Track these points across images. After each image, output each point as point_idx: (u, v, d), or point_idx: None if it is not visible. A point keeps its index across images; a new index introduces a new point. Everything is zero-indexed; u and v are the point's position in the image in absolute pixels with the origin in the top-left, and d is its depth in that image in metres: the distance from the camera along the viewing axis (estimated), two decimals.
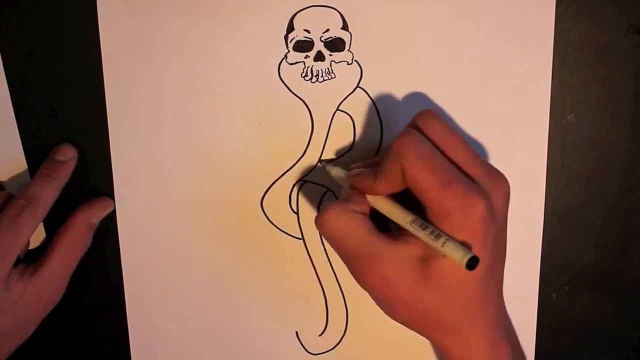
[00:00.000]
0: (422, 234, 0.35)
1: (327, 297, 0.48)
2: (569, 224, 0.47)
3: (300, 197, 0.46)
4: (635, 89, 0.45)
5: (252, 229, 0.47)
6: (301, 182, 0.46)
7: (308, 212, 0.47)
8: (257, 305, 0.48)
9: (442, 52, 0.44)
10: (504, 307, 0.40)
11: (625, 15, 0.44)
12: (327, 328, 0.48)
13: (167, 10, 0.44)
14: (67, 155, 0.45)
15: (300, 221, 0.47)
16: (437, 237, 0.34)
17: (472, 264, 0.33)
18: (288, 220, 0.47)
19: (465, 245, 0.34)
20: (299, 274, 0.47)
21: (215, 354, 0.49)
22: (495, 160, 0.45)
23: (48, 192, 0.43)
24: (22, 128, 0.45)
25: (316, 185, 0.46)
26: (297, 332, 0.48)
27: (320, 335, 0.48)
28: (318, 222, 0.38)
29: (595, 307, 0.48)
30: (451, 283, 0.35)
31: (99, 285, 0.48)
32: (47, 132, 0.46)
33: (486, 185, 0.36)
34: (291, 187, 0.46)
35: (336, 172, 0.43)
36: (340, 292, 0.48)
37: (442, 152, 0.36)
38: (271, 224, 0.47)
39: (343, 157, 0.46)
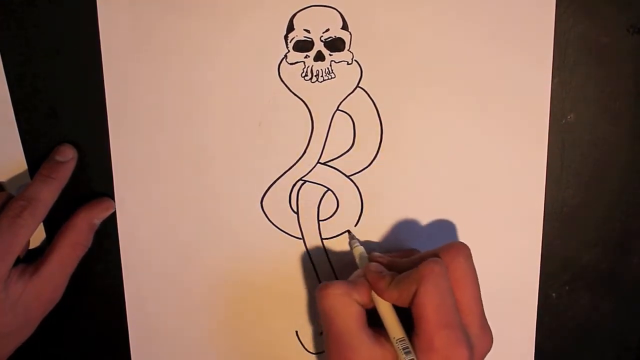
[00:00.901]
0: (401, 354, 0.37)
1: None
2: (569, 224, 0.47)
3: (300, 197, 0.46)
4: (635, 89, 0.45)
5: (252, 229, 0.47)
6: (301, 182, 0.46)
7: (308, 212, 0.47)
8: (257, 305, 0.48)
9: (442, 52, 0.44)
10: None
11: (625, 15, 0.44)
12: None
13: (167, 10, 0.44)
14: (67, 156, 0.45)
15: (300, 221, 0.47)
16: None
17: None
18: (288, 220, 0.47)
19: None
20: (298, 273, 0.47)
21: (215, 354, 0.49)
22: (495, 160, 0.45)
23: (48, 193, 0.43)
24: (22, 128, 0.45)
25: (316, 185, 0.46)
26: (297, 332, 0.48)
27: (320, 334, 0.48)
28: (321, 293, 0.40)
29: (595, 307, 0.48)
30: None
31: (99, 285, 0.48)
32: (47, 132, 0.46)
33: (475, 337, 0.38)
34: (291, 187, 0.46)
35: (358, 253, 0.44)
36: None
37: (454, 289, 0.38)
38: (271, 224, 0.47)
39: (343, 156, 0.46)
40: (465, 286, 0.39)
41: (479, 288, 0.39)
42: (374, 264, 0.41)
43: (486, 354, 0.39)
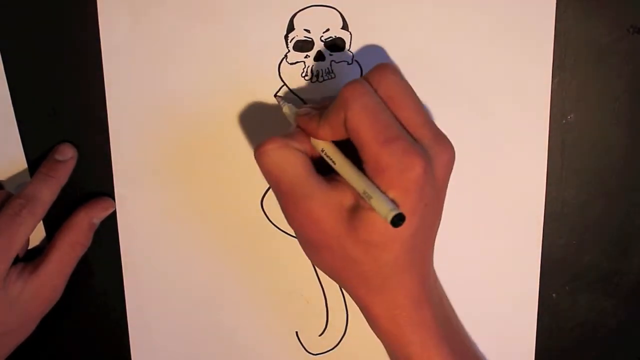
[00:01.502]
0: (356, 182, 0.34)
1: (327, 297, 0.48)
2: (569, 224, 0.47)
3: None
4: (635, 89, 0.45)
5: (252, 229, 0.47)
6: None
7: None
8: (257, 305, 0.48)
9: (442, 52, 0.44)
10: (433, 272, 0.39)
11: (625, 15, 0.44)
12: (327, 328, 0.48)
13: (167, 10, 0.44)
14: (67, 155, 0.45)
15: None
16: (368, 188, 0.34)
17: (397, 221, 0.32)
18: None
19: (394, 202, 0.34)
20: (299, 274, 0.47)
21: (215, 354, 0.49)
22: (495, 160, 0.45)
23: (47, 192, 0.43)
24: (22, 128, 0.45)
25: None
26: (297, 332, 0.48)
27: (320, 335, 0.48)
28: (257, 153, 0.37)
29: (595, 307, 0.48)
30: (377, 238, 0.35)
31: (99, 285, 0.48)
32: (47, 132, 0.46)
33: (430, 148, 0.35)
34: None
35: (287, 109, 0.41)
36: (340, 292, 0.48)
37: (390, 108, 0.36)
38: (271, 224, 0.47)
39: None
40: (401, 101, 0.36)
41: (418, 99, 0.37)
42: (302, 108, 0.39)
43: (449, 163, 0.37)
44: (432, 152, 0.35)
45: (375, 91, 0.36)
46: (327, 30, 0.44)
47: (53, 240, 0.45)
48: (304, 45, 0.44)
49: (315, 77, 0.45)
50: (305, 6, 0.44)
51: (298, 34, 0.44)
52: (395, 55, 0.44)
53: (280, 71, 0.45)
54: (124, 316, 0.48)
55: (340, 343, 0.48)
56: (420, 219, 0.35)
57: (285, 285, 0.48)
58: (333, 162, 0.37)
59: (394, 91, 0.36)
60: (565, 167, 0.46)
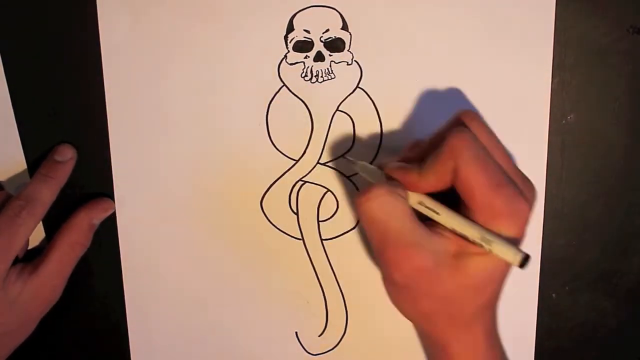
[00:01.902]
0: (469, 230, 0.35)
1: (326, 297, 0.48)
2: (569, 224, 0.47)
3: (300, 198, 0.46)
4: (635, 89, 0.45)
5: (252, 229, 0.47)
6: (301, 182, 0.46)
7: (308, 213, 0.47)
8: (257, 305, 0.48)
9: (442, 53, 0.44)
10: None
11: (625, 15, 0.44)
12: (327, 328, 0.48)
13: (167, 10, 0.44)
14: (66, 156, 0.45)
15: (300, 221, 0.47)
16: (487, 234, 0.34)
17: (524, 262, 0.34)
18: (288, 221, 0.47)
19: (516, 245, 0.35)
20: (298, 274, 0.47)
21: (215, 354, 0.49)
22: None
23: (46, 192, 0.43)
24: (22, 128, 0.45)
25: (316, 186, 0.46)
26: (297, 332, 0.48)
27: (320, 335, 0.48)
28: (361, 200, 0.36)
29: (595, 307, 0.48)
30: (481, 281, 0.36)
31: (98, 285, 0.48)
32: (47, 132, 0.46)
33: (524, 191, 0.36)
34: (291, 187, 0.46)
35: (364, 166, 0.41)
36: (340, 292, 0.48)
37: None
38: (271, 224, 0.47)
39: (343, 156, 0.46)
40: (494, 148, 0.37)
41: (502, 143, 0.38)
42: (391, 162, 0.39)
43: (534, 202, 0.38)
44: (525, 194, 0.36)
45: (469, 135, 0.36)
46: (327, 30, 0.44)
47: (53, 240, 0.45)
48: (303, 46, 0.44)
49: (315, 77, 0.45)
50: (305, 6, 0.44)
51: (298, 35, 0.44)
52: (395, 56, 0.44)
53: (280, 71, 0.45)
54: (124, 317, 0.48)
55: (340, 343, 0.48)
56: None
57: (285, 285, 0.48)
58: (437, 212, 0.37)
59: (488, 139, 0.37)
60: (565, 167, 0.46)
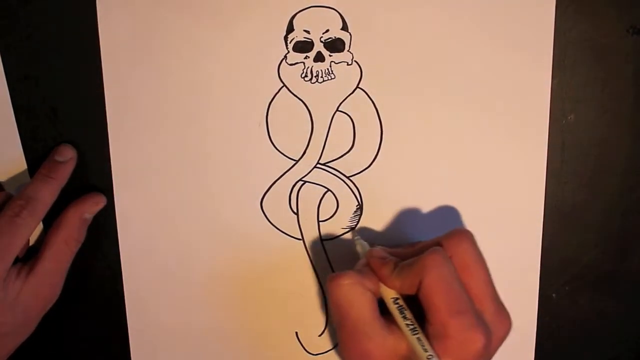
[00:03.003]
0: (417, 347, 0.37)
1: (327, 297, 0.48)
2: (569, 224, 0.47)
3: (300, 198, 0.46)
4: (635, 89, 0.45)
5: (252, 229, 0.47)
6: (301, 182, 0.46)
7: (308, 213, 0.47)
8: (257, 305, 0.48)
9: (442, 53, 0.44)
10: None
11: (625, 15, 0.44)
12: (327, 328, 0.48)
13: (167, 10, 0.44)
14: (67, 156, 0.45)
15: (300, 221, 0.47)
16: (425, 351, 0.36)
17: None
18: (288, 221, 0.47)
19: None
20: (298, 274, 0.47)
21: (215, 354, 0.49)
22: (495, 161, 0.45)
23: (47, 192, 0.43)
24: (22, 128, 0.45)
25: (316, 186, 0.46)
26: (297, 332, 0.49)
27: (320, 335, 0.48)
28: (332, 283, 0.39)
29: (595, 307, 0.48)
30: None
31: (98, 285, 0.48)
32: (47, 132, 0.46)
33: (491, 322, 0.38)
34: (291, 187, 0.46)
35: (360, 247, 0.44)
36: None
37: (462, 276, 0.38)
38: (271, 224, 0.47)
39: (343, 157, 0.46)
40: (473, 272, 0.38)
41: (488, 272, 0.39)
42: (376, 249, 0.41)
43: (504, 337, 0.39)
44: (492, 327, 0.38)
45: (451, 257, 0.38)
46: (327, 31, 0.44)
47: (46, 238, 0.45)
48: (303, 46, 0.44)
49: (315, 77, 0.45)
50: (305, 7, 0.44)
51: (298, 35, 0.44)
52: (395, 56, 0.44)
53: (280, 72, 0.45)
54: (124, 316, 0.48)
55: None
56: None
57: (285, 285, 0.48)
58: (401, 314, 0.38)
59: (468, 261, 0.39)
60: (565, 167, 0.46)
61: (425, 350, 0.36)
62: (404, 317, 0.38)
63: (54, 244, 0.44)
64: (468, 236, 0.39)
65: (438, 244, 0.39)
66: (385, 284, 0.39)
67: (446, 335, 0.36)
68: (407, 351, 0.38)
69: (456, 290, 0.37)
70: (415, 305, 0.38)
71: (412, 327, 0.37)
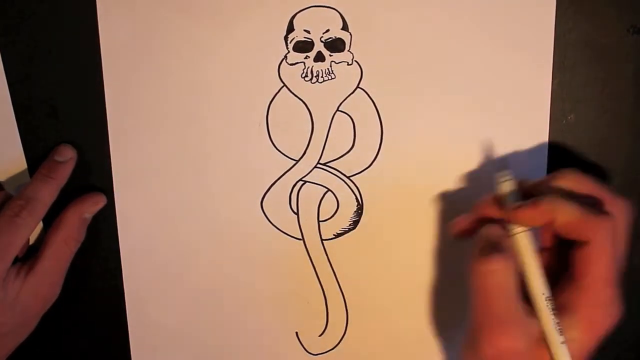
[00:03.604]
0: (547, 327, 0.36)
1: (327, 297, 0.48)
2: None
3: (300, 198, 0.46)
4: (635, 89, 0.45)
5: (252, 229, 0.47)
6: (301, 182, 0.46)
7: (308, 213, 0.47)
8: (257, 306, 0.48)
9: (442, 53, 0.44)
10: None
11: (625, 15, 0.44)
12: (327, 328, 0.48)
13: (167, 10, 0.44)
14: (66, 156, 0.45)
15: (300, 221, 0.47)
16: (552, 339, 0.36)
17: None
18: (288, 221, 0.47)
19: (581, 347, 0.36)
20: (298, 274, 0.47)
21: (215, 354, 0.49)
22: (495, 160, 0.45)
23: (46, 192, 0.43)
24: (22, 128, 0.45)
25: (316, 186, 0.46)
26: (297, 332, 0.49)
27: (320, 335, 0.48)
28: (481, 268, 0.37)
29: None
30: None
31: (98, 285, 0.48)
32: (47, 132, 0.46)
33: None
34: (291, 187, 0.46)
35: (508, 185, 0.40)
36: (340, 293, 0.48)
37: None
38: (271, 224, 0.47)
39: (343, 157, 0.46)
40: (621, 243, 0.38)
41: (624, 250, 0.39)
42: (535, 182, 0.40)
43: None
44: None
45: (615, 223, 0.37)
46: (327, 30, 0.44)
47: (46, 238, 0.45)
48: (303, 46, 0.44)
49: (315, 77, 0.45)
50: (305, 7, 0.44)
51: (298, 35, 0.44)
52: (395, 56, 0.44)
53: (280, 72, 0.45)
54: (124, 316, 0.48)
55: (340, 343, 0.48)
56: (590, 356, 0.37)
57: (285, 285, 0.48)
58: (533, 301, 0.37)
59: (625, 232, 0.39)
60: (565, 167, 0.46)
61: (559, 333, 0.36)
62: (543, 285, 0.37)
63: (53, 244, 0.44)
64: (631, 211, 0.39)
65: (605, 197, 0.38)
66: (536, 222, 0.37)
67: (597, 304, 0.36)
68: (540, 333, 0.37)
69: (616, 262, 0.37)
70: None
71: (548, 298, 0.37)
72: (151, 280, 0.48)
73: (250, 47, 0.44)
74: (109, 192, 0.46)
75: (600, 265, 0.36)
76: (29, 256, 0.45)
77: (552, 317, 0.36)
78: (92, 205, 0.46)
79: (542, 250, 0.40)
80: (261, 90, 0.45)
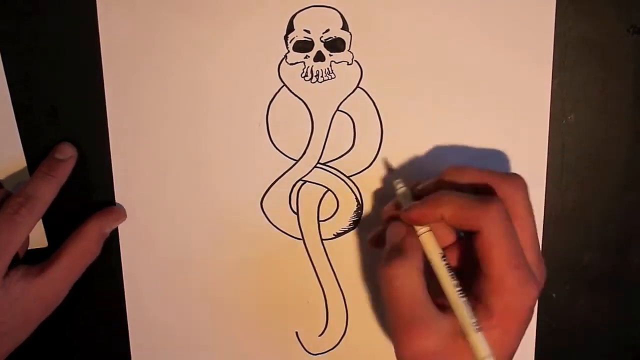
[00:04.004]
0: (461, 307, 0.36)
1: (326, 297, 0.48)
2: (569, 224, 0.47)
3: (300, 197, 0.46)
4: (635, 89, 0.45)
5: (252, 229, 0.47)
6: (301, 182, 0.46)
7: (308, 212, 0.47)
8: (257, 306, 0.48)
9: (442, 53, 0.44)
10: None
11: (625, 15, 0.44)
12: (327, 328, 0.48)
13: (167, 10, 0.44)
14: (67, 154, 0.45)
15: (300, 221, 0.47)
16: (468, 327, 0.36)
17: None
18: (288, 221, 0.47)
19: (503, 333, 0.36)
20: (298, 274, 0.47)
21: (215, 354, 0.49)
22: (495, 161, 0.45)
23: (46, 190, 0.43)
24: (22, 128, 0.45)
25: (316, 186, 0.46)
26: (297, 332, 0.48)
27: (320, 335, 0.48)
28: (387, 274, 0.37)
29: (595, 307, 0.48)
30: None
31: (99, 285, 0.48)
32: (47, 132, 0.46)
33: (534, 271, 0.37)
34: (291, 187, 0.46)
35: (403, 195, 0.41)
36: (340, 292, 0.48)
37: (514, 223, 0.37)
38: (271, 224, 0.47)
39: (343, 157, 0.46)
40: (524, 223, 0.38)
41: (535, 222, 0.39)
42: (425, 183, 0.41)
43: (543, 284, 0.38)
44: (536, 276, 0.37)
45: (503, 201, 0.37)
46: (327, 30, 0.44)
47: (62, 246, 0.45)
48: (303, 46, 0.44)
49: (315, 77, 0.45)
50: (305, 6, 0.44)
51: (298, 35, 0.44)
52: (395, 56, 0.44)
53: (280, 71, 0.45)
54: (124, 316, 0.48)
55: (340, 343, 0.48)
56: (518, 340, 0.37)
57: (285, 286, 0.48)
58: (449, 273, 0.37)
59: (522, 211, 0.38)
60: (565, 168, 0.46)
61: (474, 325, 0.36)
62: (452, 278, 0.37)
63: (69, 254, 0.44)
64: (525, 185, 0.39)
65: (492, 180, 0.38)
66: (427, 219, 0.38)
67: (504, 288, 0.36)
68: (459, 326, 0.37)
69: (515, 244, 0.36)
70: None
71: (459, 290, 0.37)
72: (151, 280, 0.48)
73: (250, 47, 0.44)
74: (109, 191, 0.46)
75: (498, 250, 0.36)
76: (35, 260, 0.44)
77: (466, 308, 0.36)
78: (113, 221, 0.46)
79: (453, 246, 0.40)
80: (261, 90, 0.45)
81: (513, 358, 0.38)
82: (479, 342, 0.35)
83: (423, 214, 0.38)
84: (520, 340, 0.38)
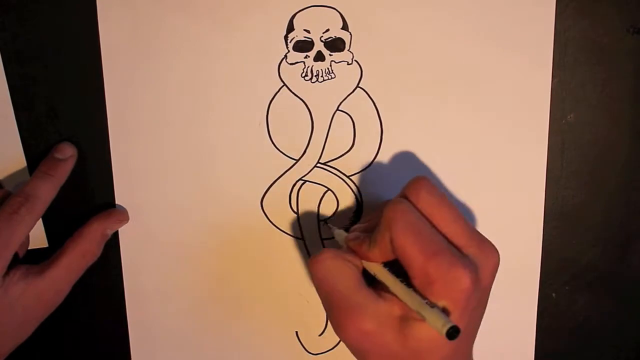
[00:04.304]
0: (409, 301, 0.35)
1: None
2: (569, 224, 0.47)
3: (300, 197, 0.46)
4: (635, 89, 0.45)
5: (252, 229, 0.47)
6: (301, 182, 0.46)
7: (308, 212, 0.47)
8: (257, 305, 0.48)
9: (442, 52, 0.44)
10: None
11: (625, 15, 0.44)
12: (327, 328, 0.48)
13: (167, 10, 0.44)
14: (67, 154, 0.45)
15: (300, 221, 0.47)
16: (420, 307, 0.35)
17: (452, 332, 0.33)
18: (288, 220, 0.47)
19: (447, 315, 0.35)
20: (299, 273, 0.47)
21: (215, 354, 0.49)
22: (495, 160, 0.46)
23: (46, 190, 0.43)
24: (22, 128, 0.45)
25: (316, 185, 0.46)
26: (297, 332, 0.48)
27: (320, 335, 0.48)
28: (313, 261, 0.39)
29: (595, 307, 0.48)
30: (426, 345, 0.36)
31: (99, 285, 0.48)
32: (47, 132, 0.46)
33: (476, 256, 0.37)
34: (291, 187, 0.46)
35: (338, 235, 0.43)
36: None
37: (430, 221, 0.37)
38: (271, 224, 0.47)
39: (343, 156, 0.46)
40: (441, 215, 0.37)
41: (456, 208, 0.38)
42: (351, 233, 0.41)
43: (495, 269, 0.38)
44: (477, 261, 0.36)
45: (416, 205, 0.37)
46: (327, 30, 0.44)
47: (64, 247, 0.45)
48: (303, 46, 0.44)
49: (315, 77, 0.45)
50: (305, 6, 0.44)
51: (298, 34, 0.44)
52: (395, 56, 0.44)
53: (280, 71, 0.45)
54: (124, 316, 0.48)
55: (340, 343, 0.48)
56: (467, 324, 0.36)
57: (285, 285, 0.48)
58: (385, 284, 0.37)
59: (432, 206, 0.37)
60: (565, 167, 0.46)
61: (420, 303, 0.35)
62: (393, 276, 0.37)
63: (70, 254, 0.44)
64: (426, 180, 0.38)
65: (396, 196, 0.38)
66: (368, 259, 0.38)
67: (430, 281, 0.35)
68: (402, 311, 0.36)
69: (426, 233, 0.36)
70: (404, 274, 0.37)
71: (403, 282, 0.36)
72: (151, 280, 0.48)
73: (250, 47, 0.44)
74: (109, 190, 0.46)
75: (410, 246, 0.35)
76: (35, 260, 0.44)
77: (413, 292, 0.35)
78: (115, 223, 0.46)
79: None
80: (261, 90, 0.45)
81: (473, 343, 0.38)
82: (437, 314, 0.34)
83: (374, 255, 0.38)
84: (475, 324, 0.38)
